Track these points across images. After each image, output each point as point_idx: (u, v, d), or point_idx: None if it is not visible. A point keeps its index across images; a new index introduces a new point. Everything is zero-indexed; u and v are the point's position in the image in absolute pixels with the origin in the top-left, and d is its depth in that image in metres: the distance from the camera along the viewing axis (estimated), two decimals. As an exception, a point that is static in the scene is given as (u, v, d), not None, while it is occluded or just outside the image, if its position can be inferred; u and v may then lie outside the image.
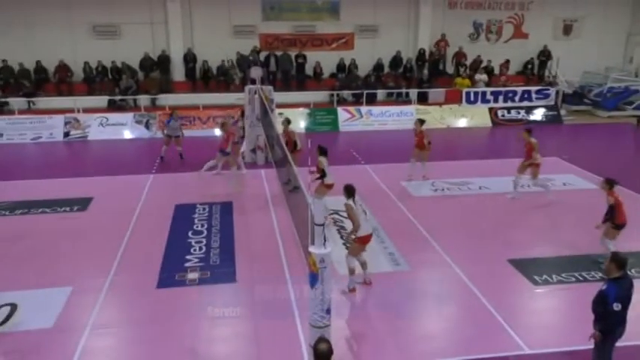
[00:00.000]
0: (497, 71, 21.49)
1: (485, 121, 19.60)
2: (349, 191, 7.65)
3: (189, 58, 20.20)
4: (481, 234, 9.96)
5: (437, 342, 6.86)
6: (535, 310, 7.68)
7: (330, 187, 9.98)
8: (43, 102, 18.74)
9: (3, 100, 18.42)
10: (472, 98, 20.08)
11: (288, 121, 12.58)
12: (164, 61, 20.12)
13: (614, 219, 8.36)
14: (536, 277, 8.31)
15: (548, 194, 11.41)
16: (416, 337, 6.94)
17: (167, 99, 19.17)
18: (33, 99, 18.76)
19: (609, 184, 8.44)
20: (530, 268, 8.57)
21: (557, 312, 7.76)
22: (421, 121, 12.98)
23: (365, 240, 7.68)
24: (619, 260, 5.42)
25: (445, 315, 7.51)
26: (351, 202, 7.57)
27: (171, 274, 8.32)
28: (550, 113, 20.05)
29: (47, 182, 12.83)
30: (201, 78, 20.42)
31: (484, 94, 20.17)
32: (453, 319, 7.40)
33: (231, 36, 20.60)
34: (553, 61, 21.54)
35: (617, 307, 5.26)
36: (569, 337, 6.72)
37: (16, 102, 18.34)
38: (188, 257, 8.90)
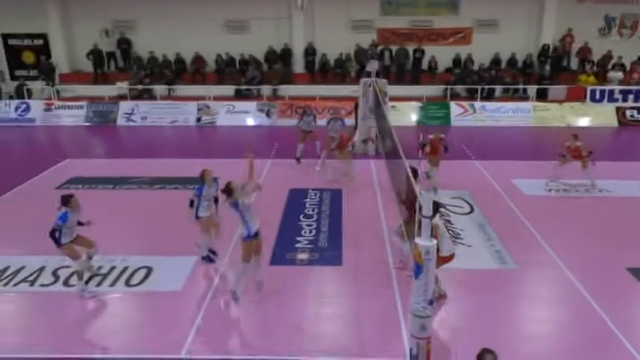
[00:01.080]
0: (629, 68, 20.00)
1: (611, 120, 18.47)
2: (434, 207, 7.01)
3: (310, 52, 21.34)
4: (598, 238, 9.50)
5: (543, 344, 6.69)
6: (656, 324, 7.10)
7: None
8: (180, 90, 20.97)
9: (149, 87, 20.91)
10: (598, 96, 18.94)
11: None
12: (286, 54, 21.49)
13: None
14: (658, 290, 7.76)
15: None
16: (521, 338, 6.81)
17: (288, 90, 20.48)
18: (172, 86, 21.07)
19: None
20: (652, 279, 8.01)
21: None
22: (575, 136, 12.20)
23: (448, 260, 7.09)
24: None
25: (553, 318, 7.32)
26: (437, 220, 7.00)
27: (283, 253, 8.85)
28: (690, 115, 18.36)
29: (181, 161, 14.27)
30: (320, 70, 21.47)
31: (612, 92, 18.93)
32: (562, 323, 7.19)
33: (350, 30, 21.43)
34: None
35: None
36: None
37: (159, 89, 20.76)
38: (298, 239, 9.38)
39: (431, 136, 11.65)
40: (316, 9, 21.29)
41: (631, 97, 18.84)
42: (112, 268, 8.32)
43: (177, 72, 21.59)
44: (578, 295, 7.65)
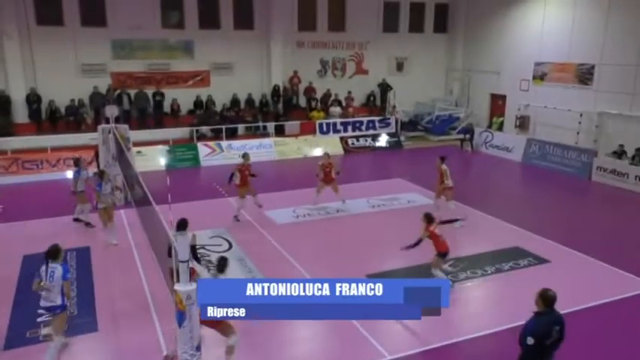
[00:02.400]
0: (344, 104, 23.48)
1: (338, 149, 21.21)
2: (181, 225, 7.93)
3: (33, 99, 18.99)
4: (341, 254, 10.79)
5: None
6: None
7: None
8: None
9: None
10: (325, 129, 21.71)
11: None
12: (3, 103, 18.65)
13: (436, 249, 9.01)
14: (390, 290, 9.33)
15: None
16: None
17: (9, 143, 17.71)
18: None
19: (427, 219, 9.04)
20: (384, 281, 9.59)
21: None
22: (327, 155, 13.80)
23: None
24: (544, 296, 5.43)
25: (316, 335, 7.97)
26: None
27: (21, 332, 7.79)
28: (392, 140, 22.43)
29: None
30: (48, 119, 19.28)
31: (335, 124, 21.94)
32: (324, 339, 7.90)
33: (80, 75, 19.85)
34: (391, 93, 24.23)
35: (529, 341, 5.27)
36: (423, 339, 7.66)
37: None
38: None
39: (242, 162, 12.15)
40: (36, 52, 19.15)
41: (350, 127, 22.12)
42: None
43: None
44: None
